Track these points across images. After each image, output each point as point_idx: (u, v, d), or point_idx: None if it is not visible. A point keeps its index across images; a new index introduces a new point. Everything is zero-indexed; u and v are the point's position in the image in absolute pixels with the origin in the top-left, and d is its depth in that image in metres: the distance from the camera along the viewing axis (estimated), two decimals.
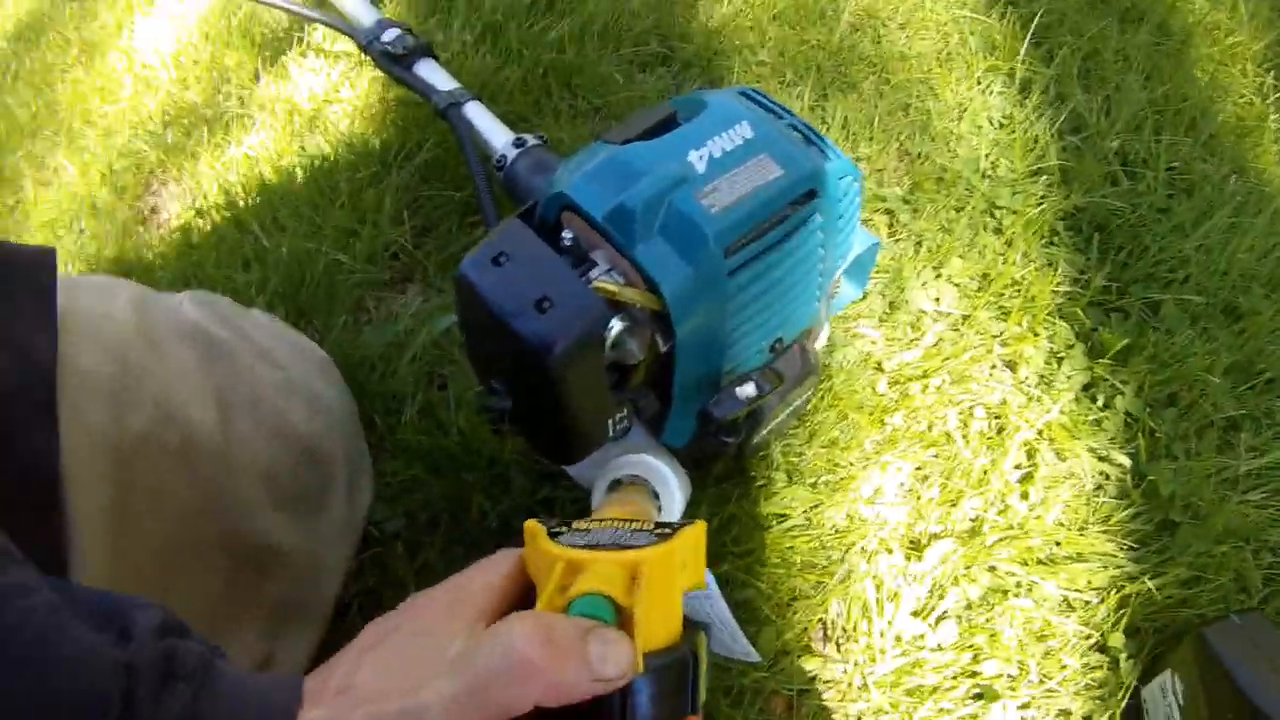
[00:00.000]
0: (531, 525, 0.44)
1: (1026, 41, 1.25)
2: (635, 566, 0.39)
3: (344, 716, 0.36)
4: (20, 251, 0.57)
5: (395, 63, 1.03)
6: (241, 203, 1.12)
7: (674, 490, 0.69)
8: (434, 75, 1.02)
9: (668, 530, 0.43)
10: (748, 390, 0.67)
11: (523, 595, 0.43)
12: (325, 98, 1.22)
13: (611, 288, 0.58)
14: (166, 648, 0.36)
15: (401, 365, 0.95)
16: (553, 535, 0.43)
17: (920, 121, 1.18)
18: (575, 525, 0.46)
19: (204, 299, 0.80)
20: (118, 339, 0.61)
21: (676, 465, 0.71)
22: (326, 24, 1.11)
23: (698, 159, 0.62)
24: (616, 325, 0.59)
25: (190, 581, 0.64)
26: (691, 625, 0.42)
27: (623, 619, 0.38)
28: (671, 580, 0.41)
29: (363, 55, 1.08)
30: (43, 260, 0.58)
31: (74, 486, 0.55)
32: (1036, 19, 1.29)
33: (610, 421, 0.65)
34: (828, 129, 1.16)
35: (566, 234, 0.63)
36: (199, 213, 1.14)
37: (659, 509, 0.69)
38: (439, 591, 0.42)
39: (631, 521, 0.49)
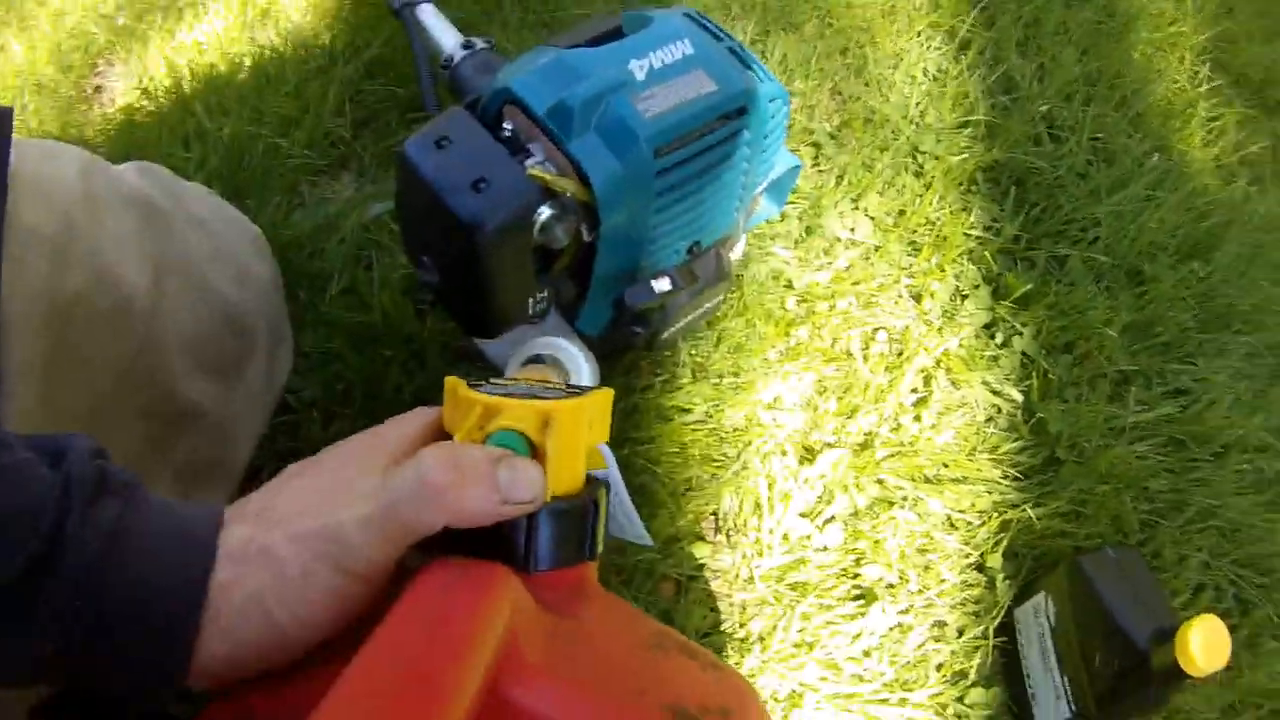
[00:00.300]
0: (451, 380, 0.47)
1: (971, 6, 1.32)
2: (548, 413, 0.43)
3: (263, 533, 0.39)
4: None
5: None
6: (187, 86, 1.14)
7: (584, 373, 0.75)
8: None
9: (578, 390, 0.49)
10: (663, 284, 0.74)
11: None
12: None
13: (545, 175, 0.64)
14: (98, 467, 0.39)
15: (330, 246, 1.00)
16: (472, 386, 0.47)
17: (856, 65, 1.25)
18: (493, 380, 0.52)
19: (146, 168, 0.82)
20: (62, 200, 0.63)
21: (588, 352, 0.78)
22: None
23: (638, 68, 0.68)
24: (546, 211, 0.65)
25: (110, 436, 0.65)
26: (593, 482, 0.46)
27: (534, 456, 0.42)
28: (579, 433, 0.45)
29: None
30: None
31: (11, 338, 0.57)
32: None
33: (531, 300, 0.71)
34: (766, 62, 1.21)
35: (507, 125, 0.68)
36: (145, 92, 1.16)
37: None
38: (357, 437, 0.46)
39: (546, 382, 0.56)
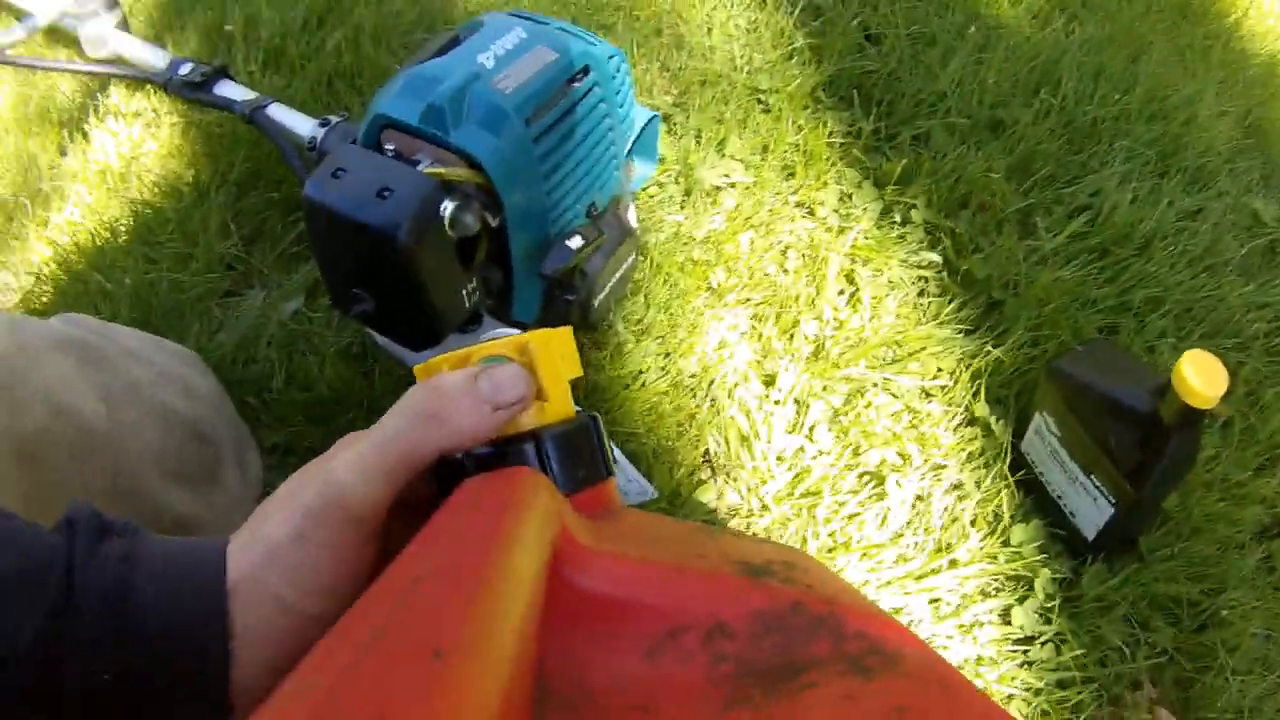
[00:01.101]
0: (421, 365, 0.47)
1: None
2: (523, 343, 0.44)
3: (256, 526, 0.39)
4: None
5: (198, 89, 1.15)
6: (75, 261, 1.20)
7: None
8: (233, 91, 1.14)
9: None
10: (575, 241, 0.82)
11: None
12: (132, 154, 1.32)
13: (441, 171, 0.72)
14: (97, 511, 0.39)
15: (259, 350, 1.06)
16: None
17: (674, 41, 1.36)
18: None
19: (70, 317, 0.89)
20: None
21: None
22: (125, 77, 1.23)
23: (486, 59, 0.77)
24: (449, 204, 0.72)
25: None
26: (584, 412, 0.47)
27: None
28: (556, 362, 0.45)
29: (165, 94, 1.19)
30: None
31: None
32: None
33: (464, 293, 0.78)
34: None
35: (389, 147, 0.77)
36: (38, 278, 1.22)
37: None
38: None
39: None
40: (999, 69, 1.30)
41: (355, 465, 0.37)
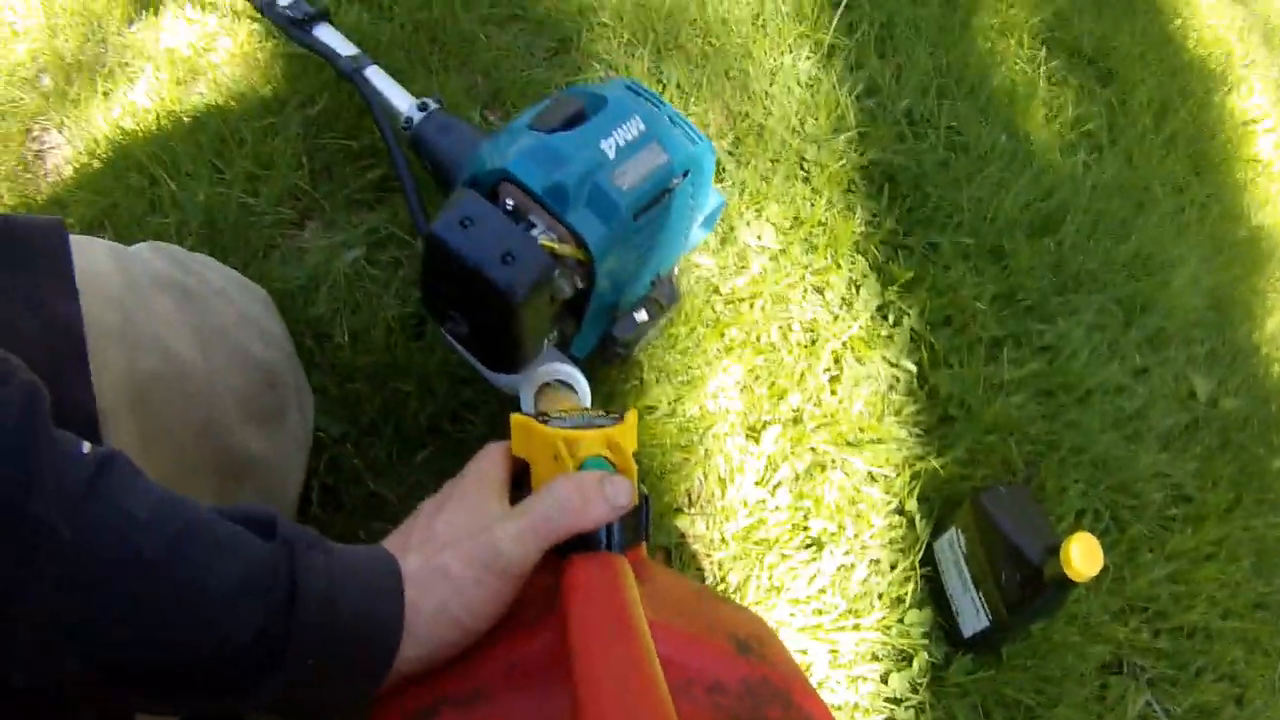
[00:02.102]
0: (518, 418, 0.69)
1: (835, 14, 1.62)
2: (612, 437, 0.65)
3: (436, 554, 0.55)
4: (34, 223, 0.69)
5: (296, 26, 1.27)
6: (139, 151, 1.31)
7: (585, 389, 1.02)
8: (334, 40, 1.26)
9: (617, 414, 0.72)
10: (641, 315, 1.01)
11: (513, 465, 0.67)
12: (205, 46, 1.44)
13: (554, 246, 0.90)
14: (297, 526, 0.53)
15: (320, 294, 1.21)
16: (541, 422, 0.68)
17: (740, 82, 1.52)
18: (551, 414, 0.74)
19: (159, 247, 0.98)
20: (114, 291, 0.76)
21: (579, 369, 1.05)
22: None
23: (608, 147, 0.94)
24: (557, 274, 0.91)
25: (192, 491, 0.78)
26: (641, 490, 0.64)
27: (616, 472, 0.62)
28: (630, 447, 0.66)
29: (258, 13, 1.31)
30: (56, 230, 0.70)
31: (107, 428, 0.68)
32: None
33: (546, 340, 0.97)
34: (664, 89, 1.48)
35: (508, 201, 0.94)
36: (94, 157, 1.33)
37: (577, 401, 1.02)
38: (465, 478, 0.64)
39: (585, 410, 0.81)
40: (1015, 197, 1.50)
41: (519, 540, 0.55)
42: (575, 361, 1.06)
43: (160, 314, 0.82)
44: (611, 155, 0.94)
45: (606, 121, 0.96)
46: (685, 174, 0.99)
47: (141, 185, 1.29)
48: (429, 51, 1.46)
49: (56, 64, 1.45)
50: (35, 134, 1.41)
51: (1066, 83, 1.76)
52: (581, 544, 0.58)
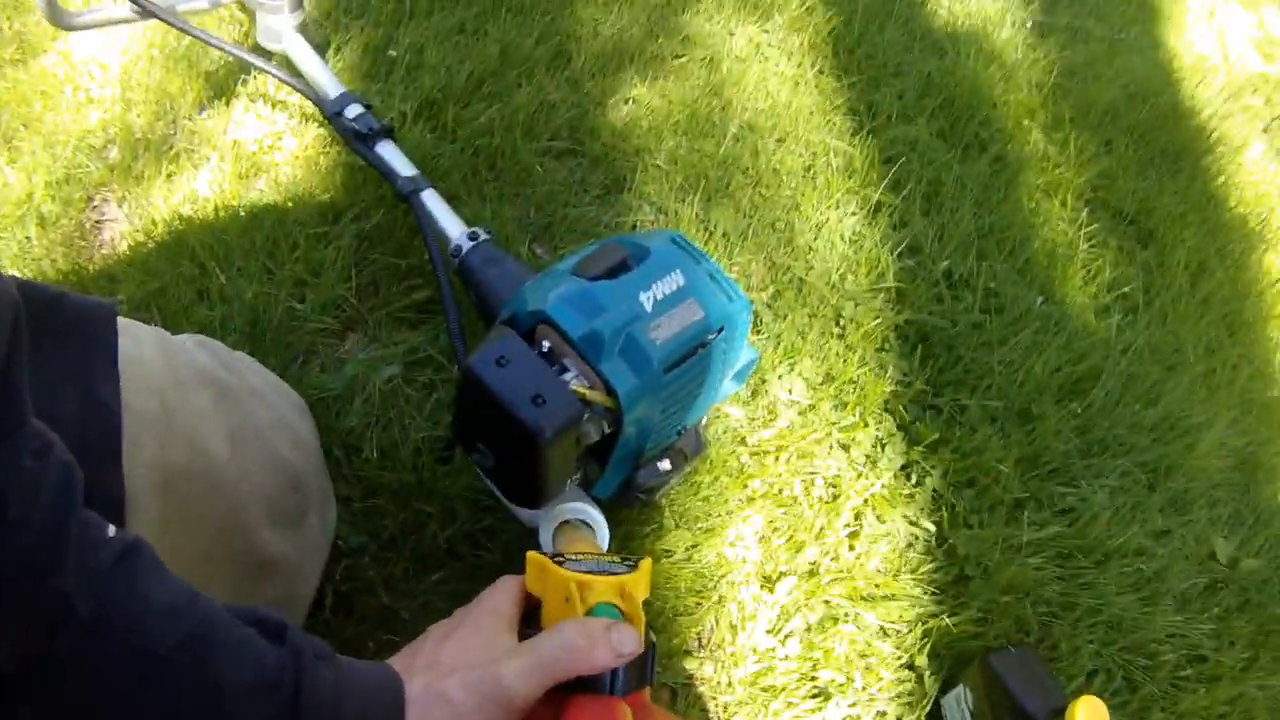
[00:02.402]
0: (535, 556, 0.71)
1: (884, 170, 1.68)
2: (624, 585, 0.68)
3: (440, 680, 0.58)
4: (87, 304, 0.72)
5: (360, 140, 1.33)
6: (194, 238, 1.37)
7: (603, 530, 1.05)
8: (395, 159, 1.32)
9: (632, 560, 0.74)
10: (665, 465, 1.04)
11: (525, 600, 0.70)
12: (270, 144, 1.51)
13: (585, 392, 0.93)
14: (307, 635, 0.56)
15: (354, 406, 1.25)
16: (557, 563, 0.71)
17: (785, 236, 1.57)
18: (567, 556, 0.75)
19: (203, 341, 1.03)
20: (155, 382, 0.80)
21: (601, 512, 1.08)
22: (289, 84, 1.38)
23: (646, 300, 0.97)
24: (585, 418, 0.94)
25: (211, 583, 0.83)
26: (648, 628, 0.72)
27: (625, 619, 0.65)
28: (641, 594, 0.69)
29: (327, 121, 1.38)
30: (107, 313, 0.73)
31: (132, 511, 0.70)
32: (892, 150, 1.73)
33: (570, 481, 1.01)
34: (711, 236, 1.53)
35: (544, 343, 0.98)
36: (150, 237, 1.38)
37: (593, 541, 1.05)
38: (478, 607, 0.67)
39: (601, 555, 0.83)
40: (1046, 361, 1.52)
41: (524, 678, 0.57)
42: (597, 502, 1.09)
43: (197, 409, 0.85)
44: (649, 308, 0.97)
45: (647, 274, 1.00)
46: (720, 331, 1.02)
47: (192, 274, 1.35)
48: (486, 178, 1.52)
49: (126, 138, 1.52)
50: (96, 204, 1.48)
51: (1106, 244, 1.79)
52: (585, 685, 0.60)
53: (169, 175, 1.48)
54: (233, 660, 0.51)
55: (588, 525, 1.02)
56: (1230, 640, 1.39)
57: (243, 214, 1.42)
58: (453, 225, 1.26)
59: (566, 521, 1.03)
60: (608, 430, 0.98)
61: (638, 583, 0.70)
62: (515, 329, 1.00)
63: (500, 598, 0.68)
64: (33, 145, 1.53)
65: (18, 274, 1.32)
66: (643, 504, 1.14)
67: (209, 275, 1.34)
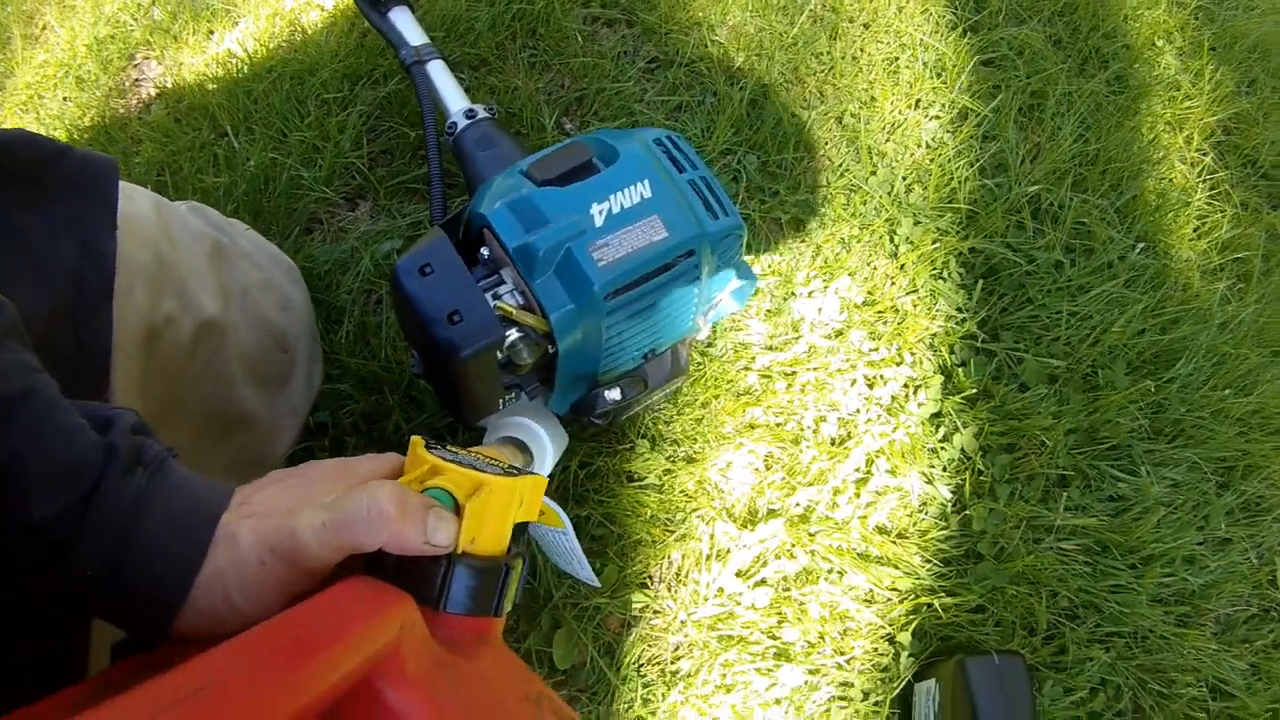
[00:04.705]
0: (415, 438, 0.63)
1: (978, 75, 1.49)
2: (480, 483, 0.58)
3: (236, 522, 0.52)
4: (90, 158, 0.74)
5: (372, 6, 1.25)
6: (216, 100, 1.34)
7: (547, 450, 0.96)
8: (406, 26, 1.23)
9: (516, 472, 0.65)
10: (614, 394, 0.95)
11: None
12: (307, 1, 1.45)
13: (510, 310, 0.85)
14: (138, 441, 0.53)
15: (345, 280, 1.21)
16: (429, 448, 0.62)
17: (850, 134, 1.43)
18: (450, 447, 0.67)
19: (197, 208, 1.04)
20: (151, 235, 0.83)
21: (555, 425, 0.99)
22: None
23: (598, 213, 0.88)
24: (512, 335, 0.85)
25: (179, 431, 0.88)
26: (516, 554, 0.59)
27: (459, 515, 0.55)
28: (506, 506, 0.58)
29: None
30: (109, 169, 0.75)
31: (118, 357, 0.73)
32: (994, 52, 1.53)
33: (500, 401, 0.93)
34: (762, 125, 1.39)
35: (484, 251, 0.89)
36: (178, 99, 1.37)
37: (528, 464, 0.97)
38: (334, 461, 0.59)
39: (494, 459, 0.76)
40: (1129, 321, 1.35)
41: (316, 533, 0.50)
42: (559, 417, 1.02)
43: (189, 264, 0.89)
44: (599, 222, 0.88)
45: (607, 182, 0.90)
46: (688, 254, 0.91)
47: (206, 139, 1.32)
48: (524, 44, 1.42)
49: None
50: (138, 61, 1.47)
51: (1229, 197, 1.55)
52: (406, 580, 0.53)
53: (203, 34, 1.44)
54: (41, 437, 0.50)
55: (522, 445, 0.95)
56: (1266, 681, 1.23)
57: (268, 75, 1.38)
58: (455, 99, 1.18)
59: (507, 438, 0.96)
60: (551, 350, 0.90)
61: (500, 488, 0.60)
62: (469, 228, 0.92)
63: (366, 464, 0.61)
64: (84, 4, 1.52)
65: (46, 133, 1.33)
66: (598, 428, 1.05)
67: (220, 141, 1.32)
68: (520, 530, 0.63)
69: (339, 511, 0.50)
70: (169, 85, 1.41)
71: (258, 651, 0.42)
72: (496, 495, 0.58)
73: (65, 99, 1.42)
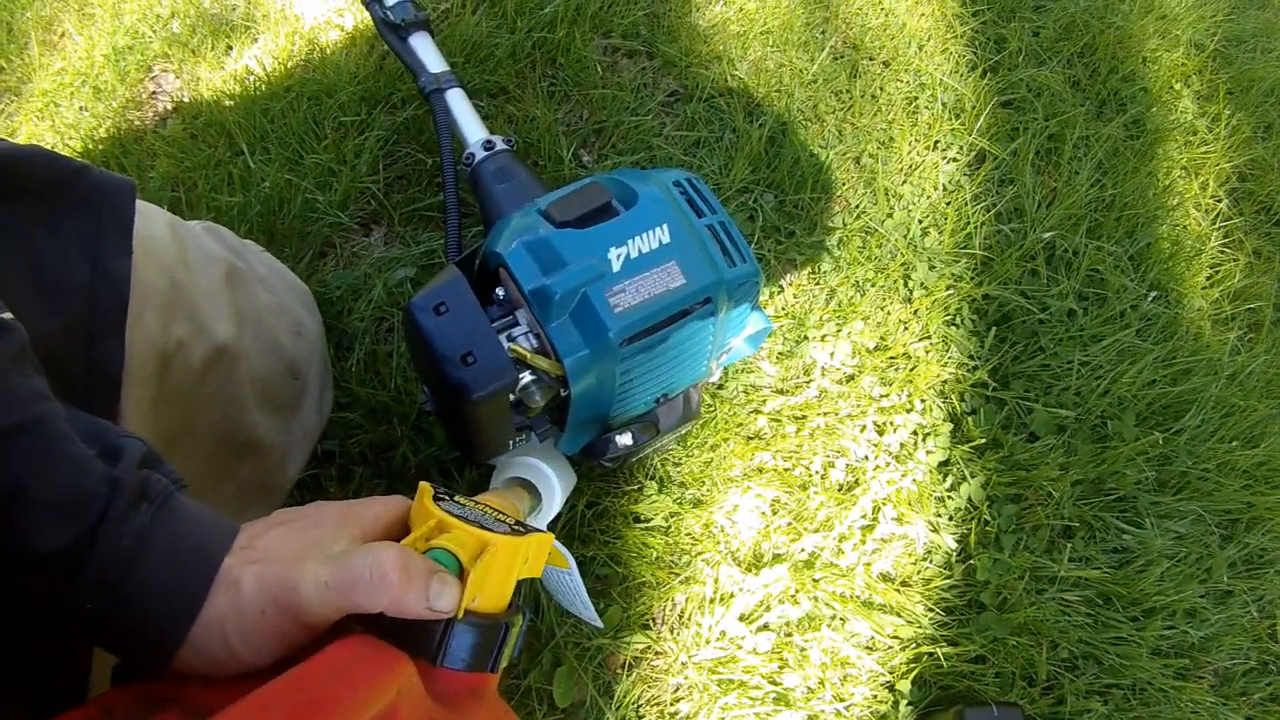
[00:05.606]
0: (424, 486, 0.61)
1: (996, 117, 1.49)
2: (485, 544, 0.57)
3: (239, 567, 0.52)
4: (107, 178, 0.74)
5: (392, 31, 1.25)
6: (233, 118, 1.34)
7: (555, 492, 0.96)
8: (426, 52, 1.23)
9: (522, 530, 0.64)
10: (625, 440, 0.95)
11: (400, 533, 0.60)
12: (327, 21, 1.44)
13: (524, 353, 0.85)
14: (144, 475, 0.52)
15: (357, 307, 1.21)
16: (436, 499, 0.61)
17: (868, 174, 1.42)
18: (458, 498, 0.67)
19: (211, 228, 1.04)
20: (166, 258, 0.83)
21: (564, 466, 0.99)
22: None
23: (616, 257, 0.87)
24: (526, 378, 0.85)
25: (188, 458, 0.87)
26: (517, 609, 0.59)
27: (462, 577, 0.54)
28: (510, 566, 0.58)
29: (362, 4, 1.30)
30: (127, 189, 0.75)
31: (129, 381, 0.73)
32: (1013, 94, 1.53)
33: (510, 443, 0.92)
34: (779, 163, 1.39)
35: (500, 291, 0.89)
36: (195, 116, 1.36)
37: (536, 505, 0.96)
38: (340, 504, 0.58)
39: (501, 513, 0.75)
40: (1139, 372, 1.34)
41: (319, 591, 0.50)
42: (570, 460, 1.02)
43: (203, 287, 0.89)
44: (617, 267, 0.87)
45: (626, 225, 0.90)
46: (706, 301, 0.91)
47: (222, 157, 1.32)
48: (542, 74, 1.41)
49: (188, 9, 1.49)
50: (155, 74, 1.46)
51: (1242, 245, 1.55)
52: (404, 636, 0.52)
53: (221, 50, 1.44)
54: (48, 467, 0.50)
55: (530, 486, 0.95)
56: None
57: (285, 95, 1.38)
58: (473, 129, 1.18)
59: (515, 478, 0.95)
60: (563, 394, 0.89)
61: (506, 548, 0.59)
62: (485, 265, 0.91)
63: (374, 508, 0.60)
64: (103, 13, 1.52)
65: (60, 143, 1.33)
66: (606, 470, 1.05)
67: (236, 160, 1.31)
68: (523, 582, 0.63)
69: (343, 571, 0.50)
70: (186, 100, 1.40)
71: (272, 716, 0.42)
72: (501, 557, 0.58)
73: (82, 108, 1.42)
